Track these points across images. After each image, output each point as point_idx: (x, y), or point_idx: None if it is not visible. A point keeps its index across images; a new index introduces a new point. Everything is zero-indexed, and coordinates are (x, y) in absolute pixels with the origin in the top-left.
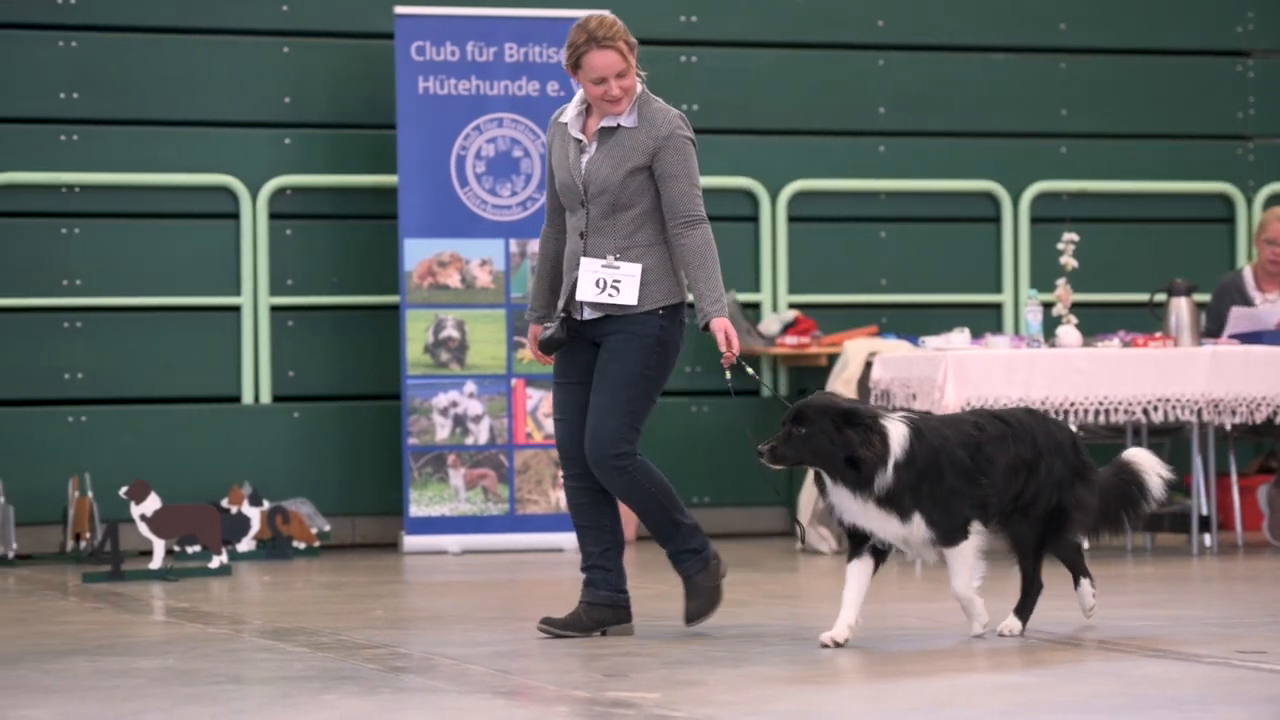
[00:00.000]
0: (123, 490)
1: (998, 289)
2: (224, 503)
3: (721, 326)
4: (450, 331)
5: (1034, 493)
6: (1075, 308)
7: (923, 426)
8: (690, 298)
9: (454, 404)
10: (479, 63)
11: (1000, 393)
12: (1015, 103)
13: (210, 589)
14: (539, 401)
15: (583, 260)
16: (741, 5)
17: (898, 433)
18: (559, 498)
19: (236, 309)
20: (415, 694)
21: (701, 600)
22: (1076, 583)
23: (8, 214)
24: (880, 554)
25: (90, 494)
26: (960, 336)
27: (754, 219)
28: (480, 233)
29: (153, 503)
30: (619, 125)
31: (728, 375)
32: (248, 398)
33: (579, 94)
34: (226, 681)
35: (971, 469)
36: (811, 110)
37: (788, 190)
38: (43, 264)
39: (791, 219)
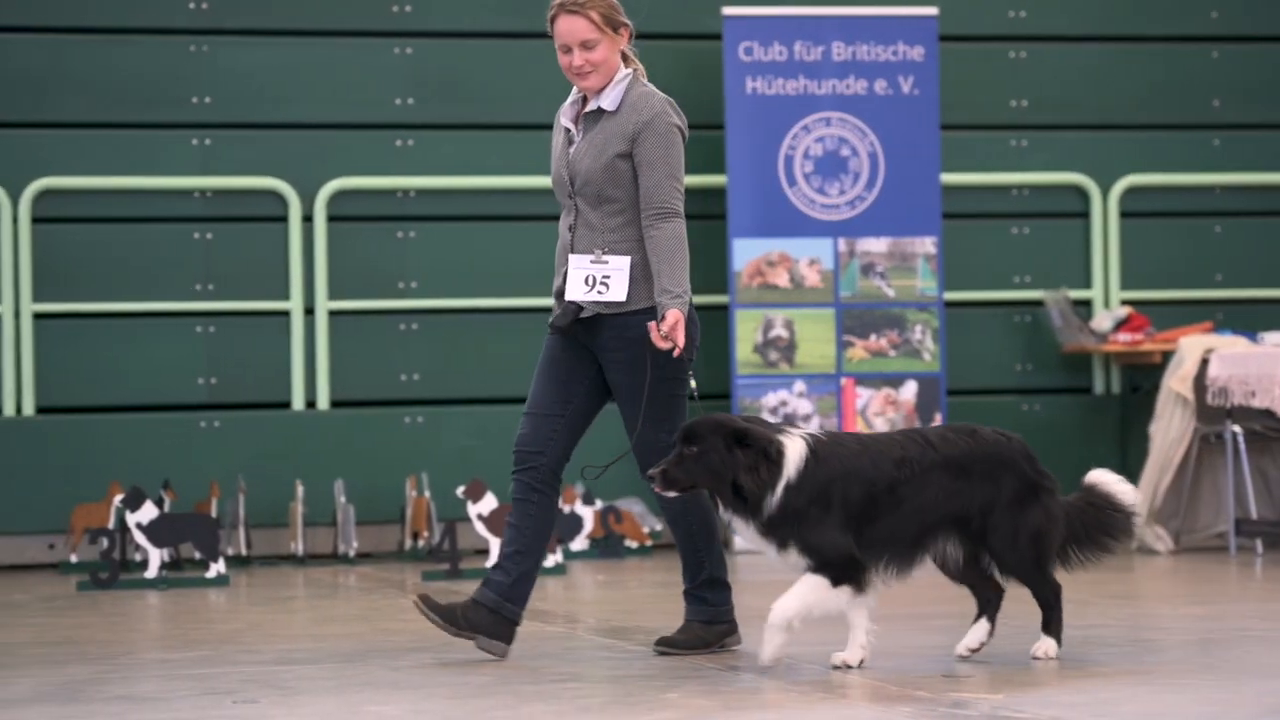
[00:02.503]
0: (460, 490)
1: None
2: (563, 502)
3: (675, 317)
4: (779, 331)
5: (994, 523)
6: None
7: (820, 448)
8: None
9: (783, 403)
10: (806, 62)
11: None
12: None
13: (546, 588)
14: (868, 400)
15: (571, 258)
16: None
17: (794, 451)
18: None
19: None
20: (755, 693)
21: (684, 639)
22: (982, 619)
23: (345, 218)
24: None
25: (428, 493)
26: None
27: (1085, 215)
28: (808, 232)
29: (489, 502)
30: (601, 110)
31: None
32: None
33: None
34: (568, 679)
35: (868, 506)
36: (1143, 104)
37: (1119, 185)
38: (379, 267)
39: (1124, 214)
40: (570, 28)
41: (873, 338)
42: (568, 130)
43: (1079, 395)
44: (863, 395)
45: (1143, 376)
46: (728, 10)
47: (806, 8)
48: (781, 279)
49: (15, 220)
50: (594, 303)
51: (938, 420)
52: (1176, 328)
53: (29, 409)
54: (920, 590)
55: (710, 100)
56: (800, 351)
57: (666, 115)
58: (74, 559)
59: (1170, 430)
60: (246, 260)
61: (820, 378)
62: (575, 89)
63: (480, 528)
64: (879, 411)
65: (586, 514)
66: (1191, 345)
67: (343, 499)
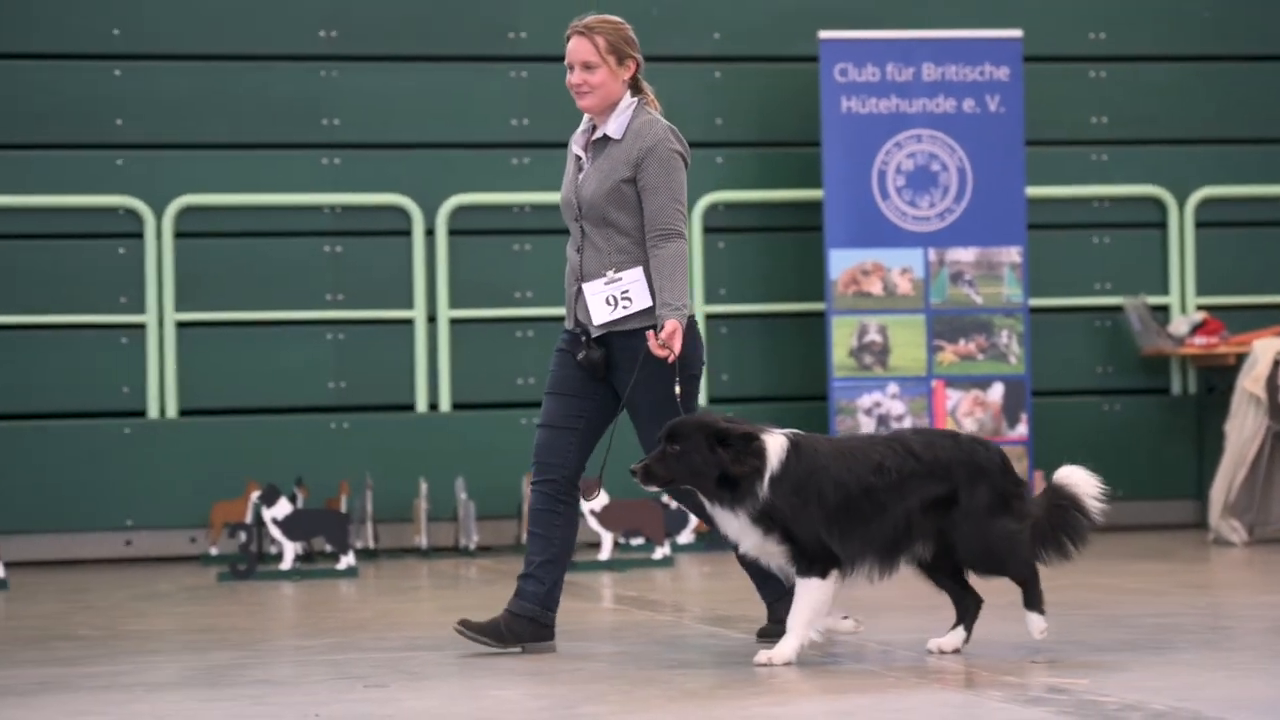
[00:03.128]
0: None
1: None
2: (665, 498)
3: (673, 326)
4: (873, 336)
5: (968, 530)
6: None
7: (802, 443)
8: (693, 309)
9: (877, 404)
10: (898, 82)
11: None
12: None
13: (654, 579)
14: (958, 401)
15: (584, 286)
16: (1149, 20)
17: (775, 446)
18: None
19: None
20: (853, 677)
21: (778, 627)
22: (958, 625)
23: (465, 232)
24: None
25: None
26: None
27: (1162, 225)
28: (901, 242)
29: (601, 498)
30: (607, 137)
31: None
32: None
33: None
34: (677, 666)
35: (839, 508)
36: (1217, 120)
37: (1195, 197)
38: (497, 278)
39: (1199, 224)
40: (577, 47)
41: (961, 342)
42: (579, 157)
43: (1157, 396)
44: (952, 397)
45: (1218, 377)
46: (824, 34)
47: (898, 31)
48: (875, 287)
49: (159, 235)
50: (621, 319)
51: (1024, 421)
52: (1250, 331)
53: (172, 411)
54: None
55: (807, 119)
56: (893, 355)
57: (668, 142)
58: (214, 552)
59: (1244, 428)
60: (373, 271)
61: (912, 380)
62: (586, 117)
63: (593, 522)
64: (968, 412)
65: None
66: (1264, 347)
67: (464, 495)
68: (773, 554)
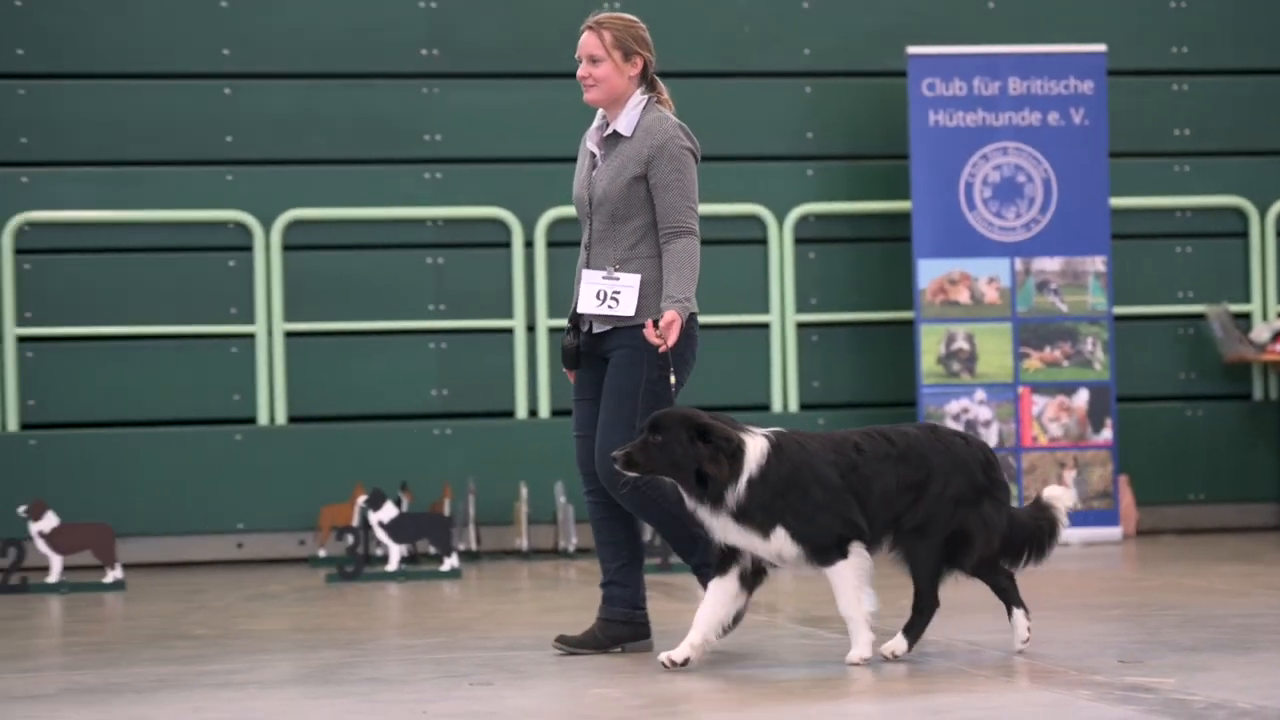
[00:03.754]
0: None
1: None
2: None
3: (671, 317)
4: (961, 344)
5: (926, 513)
6: None
7: (784, 443)
8: (696, 311)
9: (965, 410)
10: (985, 96)
11: None
12: None
13: None
14: (1044, 407)
15: (584, 273)
16: (1230, 34)
17: (755, 448)
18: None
19: (765, 326)
20: (943, 677)
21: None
22: (1009, 613)
23: (563, 243)
24: (752, 578)
25: None
26: None
27: (1244, 235)
28: (987, 252)
29: None
30: (618, 134)
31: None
32: (776, 406)
33: (600, 110)
34: (772, 665)
35: (840, 488)
36: None
37: (1276, 207)
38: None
39: None
40: (584, 41)
41: (1047, 349)
42: (592, 154)
43: (1239, 402)
44: (1038, 403)
45: None
46: (912, 50)
47: (984, 46)
48: (963, 296)
49: (268, 248)
50: (603, 317)
51: (1108, 427)
52: None
53: (281, 418)
54: (1091, 582)
55: (896, 132)
56: (980, 362)
57: (678, 139)
58: (322, 554)
59: None
60: (474, 282)
61: (999, 386)
62: (600, 113)
63: None
64: (1053, 417)
65: None
66: None
67: (563, 499)
68: (756, 548)
